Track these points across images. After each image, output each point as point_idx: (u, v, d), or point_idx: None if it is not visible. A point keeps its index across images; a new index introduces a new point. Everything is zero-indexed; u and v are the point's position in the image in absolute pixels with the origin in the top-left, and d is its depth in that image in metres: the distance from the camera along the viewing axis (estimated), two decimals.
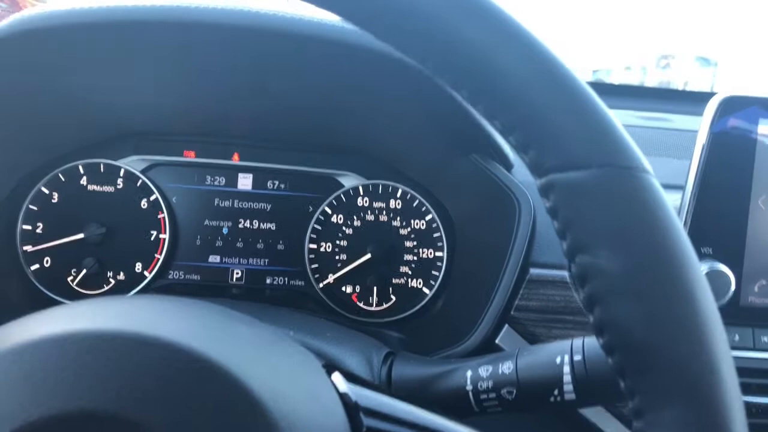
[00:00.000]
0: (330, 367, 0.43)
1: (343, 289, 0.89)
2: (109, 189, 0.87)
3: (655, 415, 0.34)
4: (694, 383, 0.33)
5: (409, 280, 0.90)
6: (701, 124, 0.70)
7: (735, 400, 0.33)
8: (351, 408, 0.39)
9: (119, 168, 0.87)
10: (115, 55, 0.71)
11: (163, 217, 0.87)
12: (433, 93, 0.68)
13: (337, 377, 0.41)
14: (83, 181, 0.87)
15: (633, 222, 0.34)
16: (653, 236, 0.34)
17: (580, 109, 0.35)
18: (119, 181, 0.87)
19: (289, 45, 0.68)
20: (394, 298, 0.89)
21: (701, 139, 0.69)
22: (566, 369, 0.50)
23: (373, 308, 0.89)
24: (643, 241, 0.34)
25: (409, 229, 0.90)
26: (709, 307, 0.34)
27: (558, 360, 0.51)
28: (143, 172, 0.88)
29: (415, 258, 0.90)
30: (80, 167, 0.86)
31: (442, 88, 0.67)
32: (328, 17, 0.66)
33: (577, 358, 0.50)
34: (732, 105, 0.69)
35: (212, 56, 0.72)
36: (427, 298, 0.89)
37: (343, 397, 0.39)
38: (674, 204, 0.73)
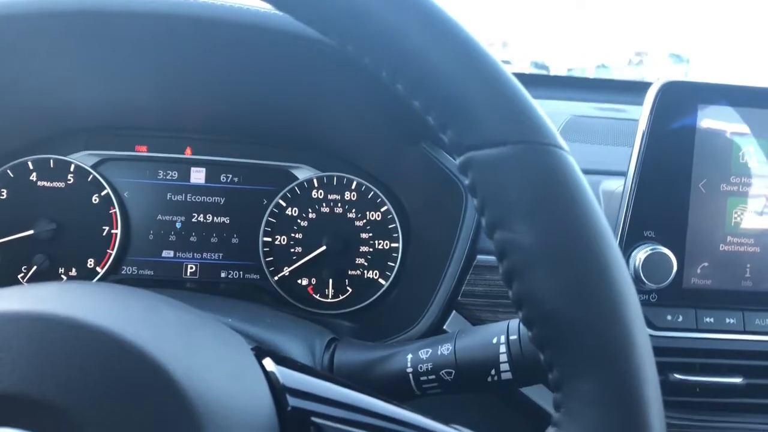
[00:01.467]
0: (261, 350, 0.43)
1: (299, 281, 0.89)
2: (60, 185, 0.86)
3: (572, 386, 0.34)
4: (608, 354, 0.33)
5: (365, 271, 0.90)
6: (642, 111, 0.71)
7: (649, 370, 0.34)
8: (277, 389, 0.39)
9: (69, 163, 0.86)
10: (62, 49, 0.71)
11: (115, 212, 0.87)
12: (380, 83, 0.69)
13: (266, 360, 0.41)
14: (33, 177, 0.86)
15: (547, 197, 0.35)
16: (567, 210, 0.35)
17: (495, 88, 0.36)
18: (70, 176, 0.86)
19: (238, 36, 0.68)
20: (350, 289, 0.89)
21: (642, 125, 0.71)
22: (502, 349, 0.51)
23: (329, 300, 0.89)
24: (557, 215, 0.34)
25: (364, 221, 0.90)
26: (623, 280, 0.35)
27: (494, 340, 0.52)
28: (94, 167, 0.87)
29: (371, 249, 0.90)
30: (29, 163, 0.86)
31: None
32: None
33: (513, 337, 0.51)
34: (671, 91, 0.70)
35: (162, 49, 0.72)
36: (383, 289, 0.89)
37: (270, 378, 0.39)
38: (619, 189, 0.74)
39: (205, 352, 0.37)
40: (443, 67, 0.36)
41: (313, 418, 0.37)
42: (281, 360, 0.41)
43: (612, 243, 0.35)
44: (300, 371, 0.41)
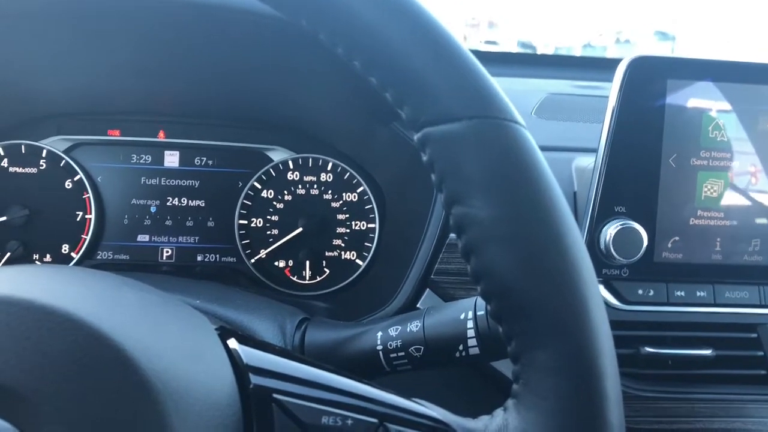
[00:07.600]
0: (225, 330, 0.43)
1: (276, 263, 0.89)
2: (32, 170, 0.85)
3: (529, 357, 0.35)
4: (563, 326, 0.34)
5: (342, 252, 0.90)
6: (612, 87, 0.71)
7: (604, 342, 0.34)
8: (240, 368, 0.39)
9: (41, 149, 0.86)
10: (34, 35, 0.69)
11: (89, 197, 0.86)
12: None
13: (230, 340, 0.41)
14: (4, 162, 0.85)
15: (502, 171, 0.35)
16: (522, 185, 0.35)
17: (449, 63, 0.36)
18: (42, 162, 0.86)
19: (210, 18, 0.67)
20: (327, 270, 0.90)
21: (612, 100, 0.71)
22: (469, 324, 0.51)
23: (307, 281, 0.89)
24: (512, 189, 0.35)
25: (340, 201, 0.90)
26: (579, 252, 0.35)
27: (462, 316, 0.52)
28: (66, 152, 0.86)
29: (348, 230, 0.90)
30: (0, 149, 0.85)
31: None
32: None
33: (480, 313, 0.51)
34: (640, 66, 0.70)
35: (134, 33, 0.71)
36: (360, 269, 0.90)
37: (233, 358, 0.40)
38: (591, 166, 0.74)
39: (166, 333, 0.37)
40: (397, 43, 0.36)
41: (275, 395, 0.38)
42: (244, 339, 0.41)
43: (567, 216, 0.35)
44: (263, 350, 0.41)
